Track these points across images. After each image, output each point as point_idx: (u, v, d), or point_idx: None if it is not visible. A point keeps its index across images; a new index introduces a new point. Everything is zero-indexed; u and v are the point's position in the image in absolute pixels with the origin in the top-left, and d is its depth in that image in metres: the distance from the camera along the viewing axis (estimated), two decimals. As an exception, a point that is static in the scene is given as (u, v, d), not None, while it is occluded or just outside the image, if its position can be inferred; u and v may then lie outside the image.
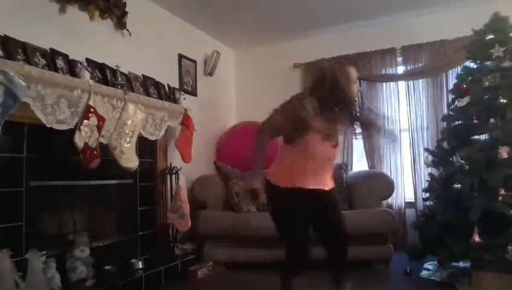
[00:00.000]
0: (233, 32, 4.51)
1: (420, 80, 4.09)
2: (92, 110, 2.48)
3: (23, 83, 2.03)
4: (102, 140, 2.59)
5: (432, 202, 3.30)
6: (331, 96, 1.94)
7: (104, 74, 2.91)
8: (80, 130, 2.41)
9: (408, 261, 3.16)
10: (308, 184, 1.99)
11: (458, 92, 3.14)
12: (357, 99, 2.08)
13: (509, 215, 2.52)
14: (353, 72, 2.03)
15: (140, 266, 2.93)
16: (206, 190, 3.66)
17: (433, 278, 2.97)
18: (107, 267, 2.75)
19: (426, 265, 3.23)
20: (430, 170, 3.45)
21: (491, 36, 2.95)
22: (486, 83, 2.88)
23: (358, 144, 4.26)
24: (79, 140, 2.40)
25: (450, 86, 3.55)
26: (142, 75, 3.36)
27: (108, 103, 2.69)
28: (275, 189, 2.03)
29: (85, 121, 2.44)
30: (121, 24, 3.17)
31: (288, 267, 2.09)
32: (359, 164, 4.34)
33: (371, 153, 4.19)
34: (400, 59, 4.19)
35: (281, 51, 4.76)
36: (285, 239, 2.07)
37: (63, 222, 2.75)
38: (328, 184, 2.10)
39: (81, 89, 2.48)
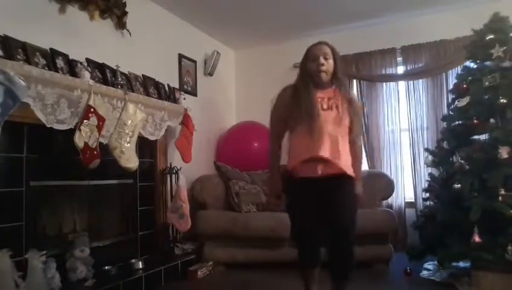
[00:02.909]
0: (233, 32, 4.51)
1: (420, 80, 4.08)
2: (92, 110, 2.48)
3: (23, 83, 2.03)
4: (102, 140, 2.58)
5: (432, 202, 3.30)
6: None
7: (104, 74, 2.91)
8: (80, 130, 2.41)
9: (408, 261, 3.16)
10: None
11: (458, 92, 3.15)
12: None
13: (509, 215, 2.52)
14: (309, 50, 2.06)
15: (140, 266, 2.92)
16: (206, 190, 3.66)
17: (433, 278, 2.97)
18: (107, 267, 2.75)
19: (426, 265, 3.23)
20: (430, 170, 3.45)
21: (491, 36, 2.95)
22: (486, 83, 2.88)
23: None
24: (79, 140, 2.39)
25: (450, 86, 3.54)
26: (142, 75, 3.36)
27: (108, 103, 2.69)
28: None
29: (85, 121, 2.44)
30: (121, 24, 3.17)
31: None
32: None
33: (371, 153, 4.19)
34: (399, 59, 4.19)
35: (281, 51, 4.76)
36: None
37: (63, 222, 2.75)
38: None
39: (81, 89, 2.48)
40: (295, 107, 1.97)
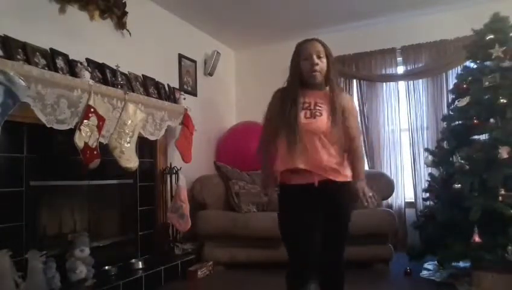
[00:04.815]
0: (233, 32, 4.51)
1: (420, 80, 4.09)
2: (92, 110, 2.48)
3: (23, 83, 2.03)
4: (102, 140, 2.59)
5: (432, 202, 3.30)
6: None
7: (104, 74, 2.90)
8: (80, 130, 2.41)
9: (408, 261, 3.16)
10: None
11: (458, 92, 3.15)
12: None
13: (509, 215, 2.52)
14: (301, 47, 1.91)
15: (140, 266, 2.93)
16: (206, 190, 3.66)
17: (433, 278, 2.98)
18: (107, 267, 2.75)
19: (426, 265, 3.23)
20: (430, 170, 3.45)
21: (491, 36, 2.96)
22: (486, 83, 2.88)
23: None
24: (79, 140, 2.40)
25: (450, 86, 3.55)
26: (142, 75, 3.36)
27: (108, 103, 2.69)
28: None
29: (85, 121, 2.44)
30: (121, 24, 3.17)
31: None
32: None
33: (371, 153, 4.19)
34: (399, 59, 4.19)
35: (281, 51, 4.70)
36: None
37: (63, 222, 2.75)
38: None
39: (81, 89, 2.48)
40: (279, 112, 1.83)
